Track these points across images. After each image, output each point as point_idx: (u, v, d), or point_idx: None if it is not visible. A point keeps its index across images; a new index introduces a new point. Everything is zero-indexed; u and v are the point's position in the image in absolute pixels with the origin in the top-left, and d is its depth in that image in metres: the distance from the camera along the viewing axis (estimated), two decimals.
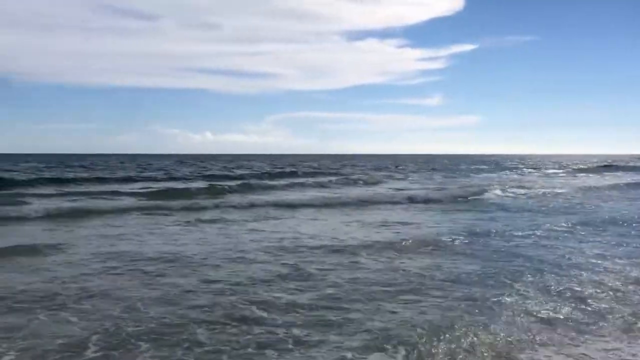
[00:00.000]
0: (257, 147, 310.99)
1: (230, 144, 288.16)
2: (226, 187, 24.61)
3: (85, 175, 34.26)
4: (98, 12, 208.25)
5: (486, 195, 22.29)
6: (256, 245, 9.95)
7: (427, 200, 19.70)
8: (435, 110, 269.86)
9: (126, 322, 5.43)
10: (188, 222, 13.53)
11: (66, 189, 23.58)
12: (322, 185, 28.45)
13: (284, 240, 10.52)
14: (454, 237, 10.84)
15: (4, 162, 61.31)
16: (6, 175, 31.36)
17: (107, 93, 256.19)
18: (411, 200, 19.67)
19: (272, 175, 37.79)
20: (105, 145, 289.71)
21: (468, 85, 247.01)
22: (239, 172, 42.41)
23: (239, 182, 28.47)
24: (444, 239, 10.65)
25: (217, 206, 17.10)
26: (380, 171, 48.22)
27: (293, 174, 39.76)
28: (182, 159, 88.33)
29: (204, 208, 16.62)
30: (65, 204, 17.04)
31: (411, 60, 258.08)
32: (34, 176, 31.45)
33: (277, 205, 17.67)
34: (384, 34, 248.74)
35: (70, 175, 33.98)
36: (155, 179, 32.97)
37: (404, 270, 7.86)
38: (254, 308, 5.90)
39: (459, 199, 20.68)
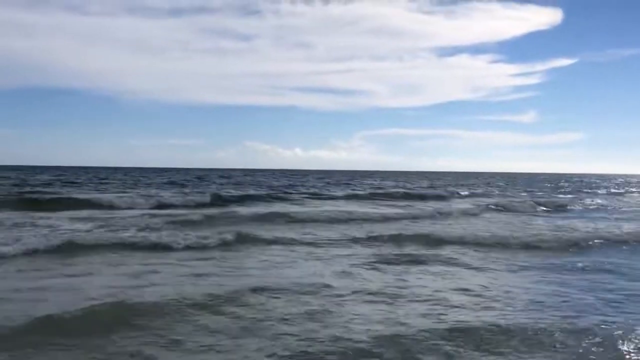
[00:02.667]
0: (346, 163, 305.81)
1: (319, 160, 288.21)
2: None
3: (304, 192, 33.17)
4: (199, 34, 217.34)
5: None
6: None
7: None
8: (529, 127, 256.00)
9: None
10: None
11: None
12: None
13: None
14: None
15: (130, 174, 61.49)
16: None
17: (206, 111, 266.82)
18: None
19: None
20: (203, 160, 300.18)
21: (566, 101, 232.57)
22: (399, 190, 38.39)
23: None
24: None
25: None
26: (520, 191, 42.89)
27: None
28: (282, 174, 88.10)
29: None
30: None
31: (505, 75, 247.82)
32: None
33: None
34: (477, 49, 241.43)
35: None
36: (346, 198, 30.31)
37: None
38: None
39: None
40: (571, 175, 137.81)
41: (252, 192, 31.64)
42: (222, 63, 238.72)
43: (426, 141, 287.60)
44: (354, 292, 7.46)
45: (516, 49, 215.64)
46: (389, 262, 10.00)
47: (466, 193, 37.01)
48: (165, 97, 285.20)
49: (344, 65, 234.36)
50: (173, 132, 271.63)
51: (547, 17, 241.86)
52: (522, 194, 38.74)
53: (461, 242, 12.92)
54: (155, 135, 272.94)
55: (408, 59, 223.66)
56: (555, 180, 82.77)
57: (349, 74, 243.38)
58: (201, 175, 68.00)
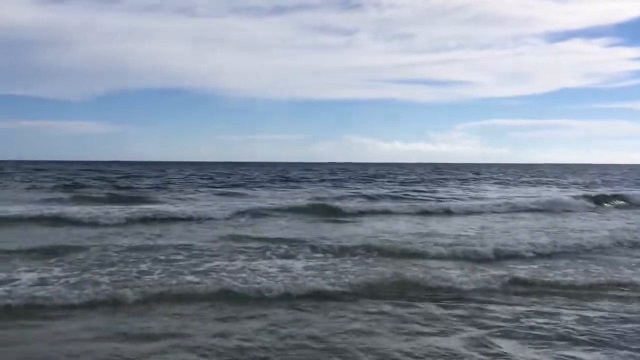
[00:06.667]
0: (446, 156, 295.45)
1: (419, 153, 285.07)
2: None
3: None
4: (300, 31, 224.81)
5: None
6: None
7: None
8: None
9: None
10: None
11: None
12: None
13: None
14: None
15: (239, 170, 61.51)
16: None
17: (306, 106, 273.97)
18: None
19: None
20: (304, 154, 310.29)
21: None
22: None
23: None
24: None
25: None
26: None
27: None
28: (379, 168, 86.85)
29: None
30: None
31: (622, 60, 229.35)
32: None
33: None
34: (591, 33, 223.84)
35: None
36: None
37: None
38: None
39: None
40: None
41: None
42: (322, 58, 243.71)
43: (533, 132, 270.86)
44: None
45: (636, 31, 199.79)
46: None
47: None
48: (267, 93, 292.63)
49: (444, 56, 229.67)
50: (275, 128, 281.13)
51: None
52: None
53: None
54: (255, 131, 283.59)
55: (514, 46, 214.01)
56: None
57: (449, 64, 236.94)
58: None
